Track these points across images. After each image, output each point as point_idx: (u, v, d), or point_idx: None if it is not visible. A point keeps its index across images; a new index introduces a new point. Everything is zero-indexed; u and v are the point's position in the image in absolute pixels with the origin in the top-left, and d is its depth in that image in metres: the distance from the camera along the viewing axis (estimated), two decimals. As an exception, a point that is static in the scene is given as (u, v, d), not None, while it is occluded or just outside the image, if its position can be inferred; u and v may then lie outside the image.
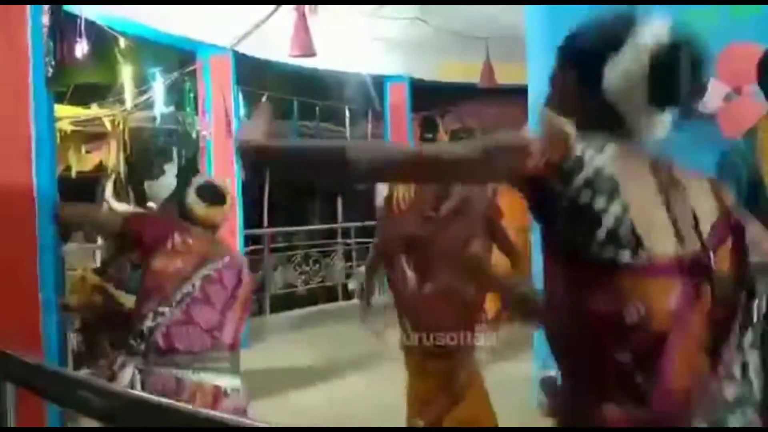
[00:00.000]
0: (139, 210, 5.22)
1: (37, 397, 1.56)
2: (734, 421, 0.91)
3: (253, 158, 1.21)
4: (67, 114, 6.48)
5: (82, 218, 3.13)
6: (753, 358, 0.95)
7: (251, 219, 7.53)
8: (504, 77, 6.06)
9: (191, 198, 2.58)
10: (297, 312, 7.06)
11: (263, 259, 7.13)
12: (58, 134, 5.58)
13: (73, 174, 6.98)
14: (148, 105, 6.72)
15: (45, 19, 2.96)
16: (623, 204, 0.96)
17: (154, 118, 6.87)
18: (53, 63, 3.00)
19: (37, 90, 2.75)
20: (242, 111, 6.68)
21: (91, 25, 4.21)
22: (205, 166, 5.72)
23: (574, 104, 1.08)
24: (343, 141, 3.45)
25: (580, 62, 1.10)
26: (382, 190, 2.96)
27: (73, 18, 3.93)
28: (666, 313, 0.93)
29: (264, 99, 7.26)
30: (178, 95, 6.98)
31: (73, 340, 3.69)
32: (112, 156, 6.97)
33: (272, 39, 5.28)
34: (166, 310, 2.37)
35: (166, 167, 7.69)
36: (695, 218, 1.01)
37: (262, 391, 3.70)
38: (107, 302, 2.83)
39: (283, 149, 1.23)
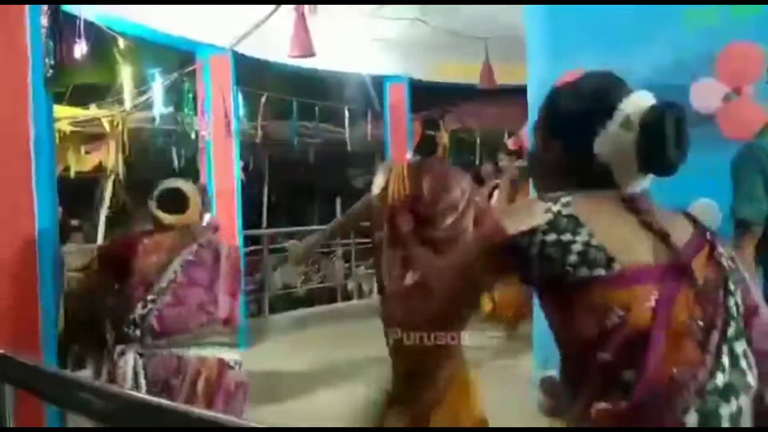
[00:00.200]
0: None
1: (36, 399, 1.56)
2: (726, 410, 0.93)
3: None
4: (66, 114, 6.49)
5: None
6: (741, 349, 0.98)
7: (251, 220, 7.53)
8: (504, 77, 6.05)
9: (152, 208, 2.64)
10: (296, 312, 7.05)
11: (263, 259, 7.12)
12: (57, 135, 5.58)
13: (72, 174, 6.99)
14: (147, 105, 6.71)
15: (44, 20, 2.96)
16: (589, 232, 1.00)
17: (153, 119, 6.87)
18: (52, 63, 3.00)
19: (36, 90, 2.76)
20: (242, 111, 6.67)
21: (90, 25, 4.20)
22: (204, 167, 5.71)
23: (557, 169, 1.13)
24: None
25: (566, 134, 1.12)
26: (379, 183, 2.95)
27: (72, 18, 3.92)
28: (646, 314, 0.95)
29: (263, 100, 7.27)
30: (178, 96, 6.97)
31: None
32: (111, 156, 6.99)
33: (272, 39, 5.27)
34: (155, 297, 2.44)
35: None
36: (669, 235, 1.03)
37: (262, 391, 3.70)
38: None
39: None
